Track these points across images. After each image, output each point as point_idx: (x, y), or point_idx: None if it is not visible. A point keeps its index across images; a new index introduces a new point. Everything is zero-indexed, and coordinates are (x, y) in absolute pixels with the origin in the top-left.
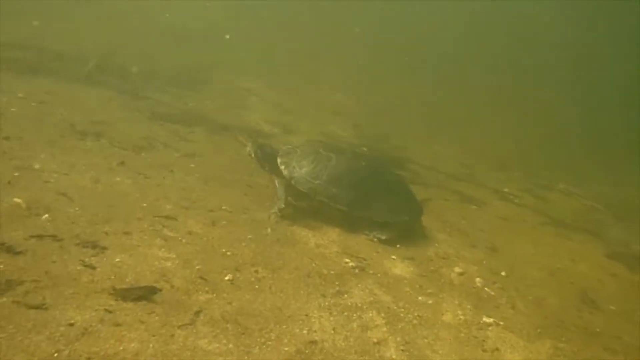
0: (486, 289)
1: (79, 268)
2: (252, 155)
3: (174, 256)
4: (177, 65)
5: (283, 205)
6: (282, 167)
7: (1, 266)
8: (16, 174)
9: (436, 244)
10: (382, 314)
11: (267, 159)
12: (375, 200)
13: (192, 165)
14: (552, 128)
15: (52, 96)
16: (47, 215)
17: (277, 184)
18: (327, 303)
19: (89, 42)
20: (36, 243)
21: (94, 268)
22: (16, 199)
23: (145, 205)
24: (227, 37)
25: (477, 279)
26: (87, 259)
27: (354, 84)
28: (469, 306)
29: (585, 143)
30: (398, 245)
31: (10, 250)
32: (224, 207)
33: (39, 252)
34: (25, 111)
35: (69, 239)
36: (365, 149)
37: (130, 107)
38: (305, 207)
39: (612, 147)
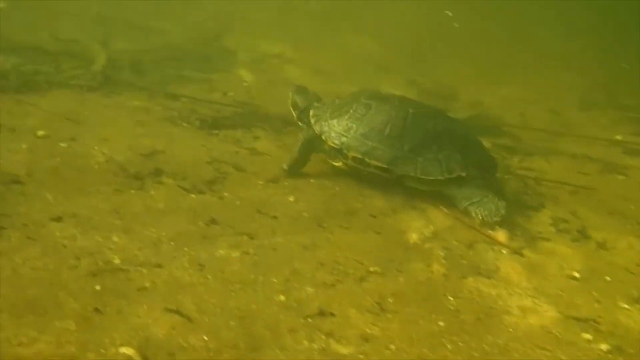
0: None
1: None
2: (291, 107)
3: None
4: (182, 37)
5: (286, 168)
6: (313, 120)
7: None
8: (97, 287)
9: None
10: None
11: (306, 111)
12: (425, 152)
13: (291, 199)
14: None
15: (78, 126)
16: None
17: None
18: None
19: (55, 29)
20: None
21: None
22: (124, 349)
23: (282, 298)
24: None
25: None
26: None
27: (378, 26)
28: None
29: None
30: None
31: None
32: (371, 269)
33: None
34: (58, 158)
35: None
36: None
37: (171, 116)
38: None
39: None
